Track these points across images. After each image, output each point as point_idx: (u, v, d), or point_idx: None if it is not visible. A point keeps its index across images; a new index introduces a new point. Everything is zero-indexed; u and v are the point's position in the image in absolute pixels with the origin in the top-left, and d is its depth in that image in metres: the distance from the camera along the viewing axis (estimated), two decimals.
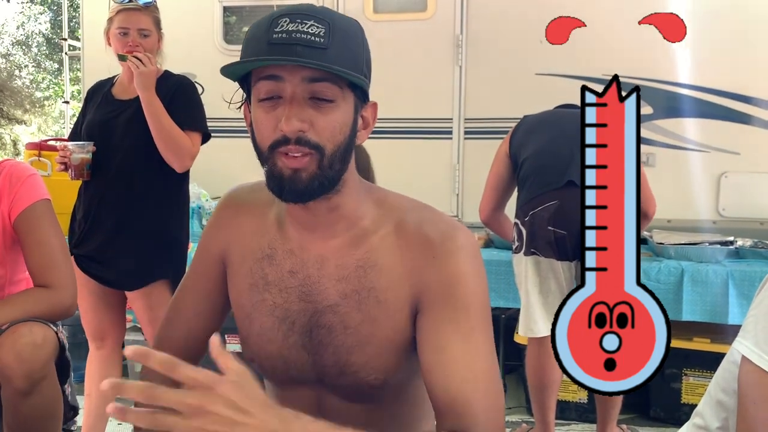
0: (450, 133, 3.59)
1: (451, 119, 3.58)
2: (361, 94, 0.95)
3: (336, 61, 0.88)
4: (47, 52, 14.72)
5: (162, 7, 3.76)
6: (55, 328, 1.56)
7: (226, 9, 3.79)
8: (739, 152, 3.31)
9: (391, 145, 3.64)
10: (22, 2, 14.47)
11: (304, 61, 0.86)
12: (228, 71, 0.92)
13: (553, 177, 2.33)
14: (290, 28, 0.88)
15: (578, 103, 2.79)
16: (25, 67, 15.12)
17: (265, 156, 0.92)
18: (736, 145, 3.31)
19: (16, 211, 1.62)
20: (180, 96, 2.31)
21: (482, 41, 3.49)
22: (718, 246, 2.89)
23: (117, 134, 2.29)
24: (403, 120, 3.62)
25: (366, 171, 2.25)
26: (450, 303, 0.94)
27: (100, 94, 2.43)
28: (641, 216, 2.44)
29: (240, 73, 0.94)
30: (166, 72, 2.42)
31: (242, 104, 1.00)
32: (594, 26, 3.36)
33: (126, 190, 2.27)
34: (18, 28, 14.72)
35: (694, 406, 1.10)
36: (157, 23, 2.40)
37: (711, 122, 3.34)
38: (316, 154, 0.90)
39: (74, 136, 2.44)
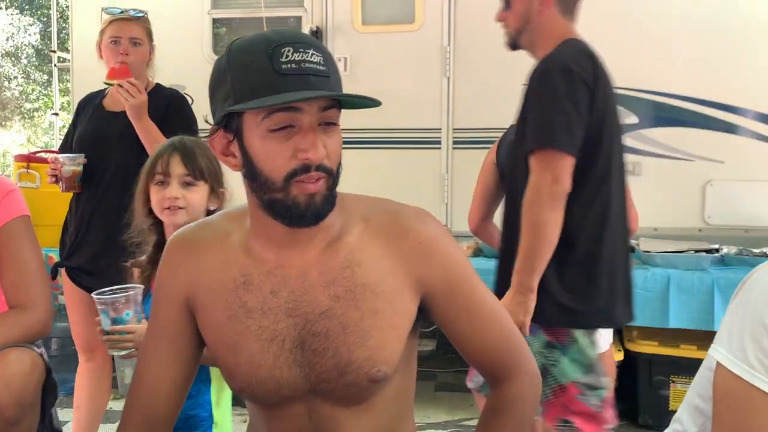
0: (439, 143, 3.62)
1: (440, 129, 3.61)
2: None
3: (337, 87, 0.94)
4: (37, 63, 14.68)
5: (152, 19, 3.79)
6: (38, 350, 1.52)
7: (215, 21, 3.81)
8: (724, 161, 3.35)
9: (381, 156, 3.67)
10: (12, 14, 14.44)
11: (339, 93, 0.92)
12: (257, 107, 0.90)
13: None
14: (296, 58, 0.90)
15: None
16: (14, 78, 15.07)
17: (278, 186, 0.93)
18: (720, 154, 3.35)
19: None
20: (173, 112, 2.32)
21: (470, 52, 3.53)
22: (704, 254, 2.92)
23: (108, 146, 2.30)
24: (392, 130, 3.65)
25: None
26: (456, 283, 1.04)
27: (91, 106, 2.44)
28: None
29: (264, 106, 0.91)
30: (158, 85, 2.43)
31: (212, 135, 0.99)
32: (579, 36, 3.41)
33: (118, 201, 2.27)
34: (7, 39, 14.68)
35: None
36: (149, 34, 2.41)
37: (696, 131, 3.38)
38: (329, 177, 0.94)
39: (65, 148, 2.44)
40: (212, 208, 1.63)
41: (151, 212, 1.63)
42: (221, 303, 1.03)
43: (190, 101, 2.43)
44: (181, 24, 3.75)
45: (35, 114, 15.15)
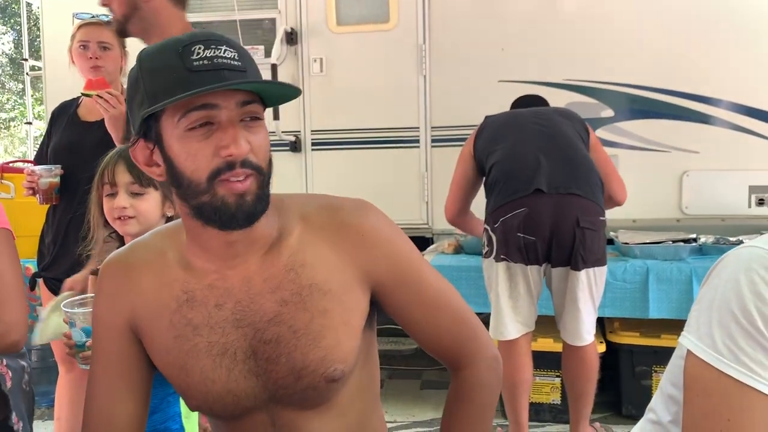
0: (417, 141, 3.62)
1: (418, 128, 3.61)
2: None
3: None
4: (11, 72, 14.48)
5: None
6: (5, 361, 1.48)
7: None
8: (699, 151, 3.39)
9: (360, 156, 3.67)
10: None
11: (252, 81, 0.89)
12: (161, 108, 0.88)
13: (520, 184, 2.36)
14: (208, 54, 0.88)
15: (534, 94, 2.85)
16: None
17: (203, 188, 0.90)
18: (696, 144, 3.39)
19: None
20: None
21: (445, 51, 3.53)
22: (682, 243, 2.95)
23: (84, 157, 2.26)
24: (370, 130, 3.64)
25: None
26: (403, 271, 1.03)
27: (65, 116, 2.41)
28: (612, 203, 2.50)
29: (159, 106, 0.88)
30: None
31: (132, 147, 0.96)
32: (553, 32, 3.44)
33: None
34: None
35: None
36: (120, 39, 2.38)
37: (671, 122, 3.41)
38: (258, 175, 0.92)
39: (40, 158, 2.41)
40: (170, 214, 1.59)
41: (108, 222, 1.60)
42: (165, 324, 1.00)
43: None
44: None
45: (11, 124, 14.94)
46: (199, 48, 0.88)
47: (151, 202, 1.56)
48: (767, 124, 3.33)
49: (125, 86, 2.45)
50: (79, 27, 2.33)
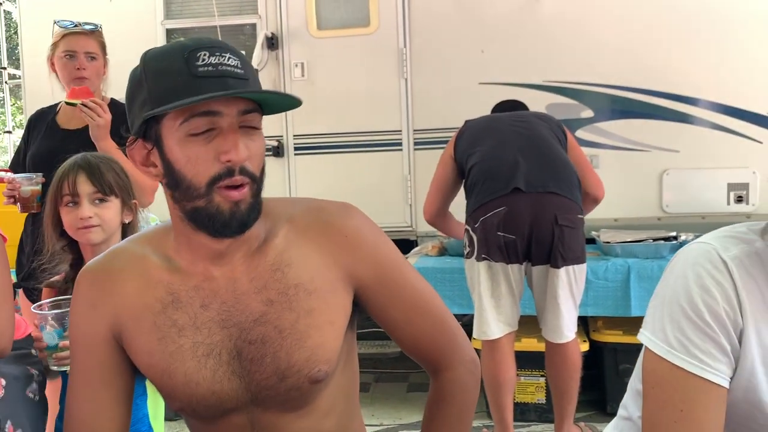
0: (400, 144, 3.63)
1: (401, 131, 3.63)
2: None
3: (256, 89, 0.94)
4: None
5: (105, 30, 3.73)
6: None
7: (169, 31, 3.78)
8: (679, 150, 3.43)
9: (343, 159, 3.67)
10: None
11: (258, 91, 0.91)
12: (173, 108, 0.88)
13: (499, 184, 2.38)
14: (213, 61, 0.89)
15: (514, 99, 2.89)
16: None
17: (201, 192, 0.91)
18: (675, 143, 3.43)
19: None
20: (126, 130, 2.28)
21: (425, 53, 3.55)
22: (662, 242, 2.98)
23: None
24: (353, 134, 3.65)
25: None
26: (385, 272, 1.05)
27: (43, 123, 2.38)
28: (590, 201, 2.54)
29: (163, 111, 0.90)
30: (112, 101, 2.39)
31: (130, 146, 0.97)
32: (532, 34, 3.47)
33: None
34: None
35: None
36: (103, 48, 2.38)
37: (650, 122, 3.45)
38: (253, 183, 0.93)
39: (16, 166, 2.39)
40: (127, 221, 1.60)
41: (63, 234, 1.59)
42: (148, 326, 1.00)
43: None
44: (135, 35, 3.70)
45: None
46: (205, 54, 0.89)
47: (113, 209, 1.58)
48: (745, 122, 3.38)
49: (105, 94, 2.44)
50: (63, 36, 2.31)
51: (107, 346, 1.02)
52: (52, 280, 1.59)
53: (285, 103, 0.98)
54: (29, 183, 2.20)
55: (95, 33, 2.36)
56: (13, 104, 4.88)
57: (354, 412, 1.15)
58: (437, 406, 1.12)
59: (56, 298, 1.46)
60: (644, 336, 0.94)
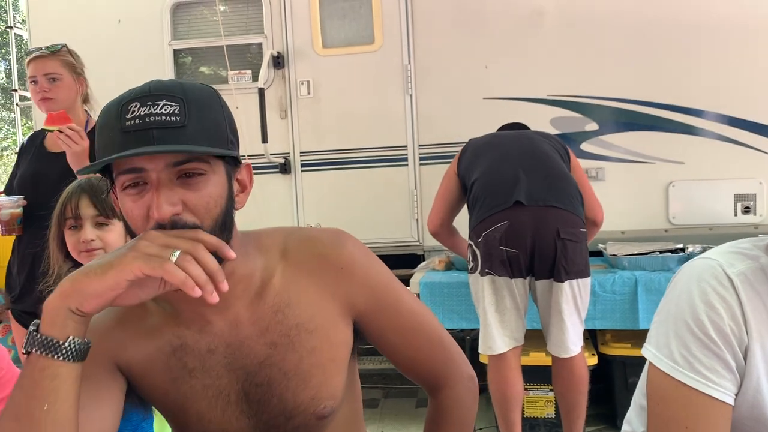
0: (406, 160, 3.65)
1: (406, 146, 3.64)
2: (231, 160, 0.93)
3: (196, 137, 0.85)
4: (3, 101, 14.55)
5: (114, 51, 3.78)
6: None
7: (177, 51, 3.83)
8: (684, 161, 3.42)
9: (349, 175, 3.69)
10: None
11: (159, 150, 0.83)
12: (85, 173, 0.88)
13: (501, 198, 2.39)
14: (142, 113, 0.84)
15: (520, 121, 2.91)
16: None
17: None
18: (681, 155, 3.43)
19: None
20: None
21: (429, 70, 3.58)
22: (669, 254, 2.97)
23: (48, 188, 2.24)
24: (359, 150, 3.68)
25: None
26: (381, 297, 1.04)
27: (32, 147, 2.39)
28: (590, 224, 2.54)
29: (99, 168, 0.88)
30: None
31: (109, 192, 0.94)
32: (536, 48, 3.49)
33: None
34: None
35: None
36: (69, 66, 2.33)
37: (656, 134, 3.45)
38: None
39: (9, 189, 2.41)
40: None
41: (68, 256, 1.59)
42: (161, 367, 0.99)
43: None
44: (143, 56, 3.76)
45: (4, 153, 14.98)
46: (135, 105, 0.84)
47: (116, 232, 1.57)
48: (751, 133, 3.38)
49: (91, 116, 2.42)
50: (28, 63, 2.32)
51: (106, 367, 0.97)
52: None
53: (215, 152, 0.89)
54: (11, 206, 2.20)
55: (57, 53, 2.32)
56: (24, 124, 4.94)
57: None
58: (436, 424, 1.13)
59: None
60: (649, 351, 0.94)
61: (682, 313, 0.90)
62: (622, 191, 3.43)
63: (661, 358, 0.90)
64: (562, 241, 2.30)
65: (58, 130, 2.12)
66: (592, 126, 3.48)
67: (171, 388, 0.99)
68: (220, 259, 0.86)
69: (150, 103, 0.84)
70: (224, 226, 0.90)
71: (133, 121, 0.84)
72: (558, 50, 3.49)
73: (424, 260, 3.54)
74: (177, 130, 0.84)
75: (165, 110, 0.84)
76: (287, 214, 3.67)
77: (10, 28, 4.26)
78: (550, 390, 2.91)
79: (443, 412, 1.12)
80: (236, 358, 0.98)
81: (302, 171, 3.73)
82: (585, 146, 3.45)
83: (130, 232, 0.90)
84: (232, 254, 0.86)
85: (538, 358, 2.88)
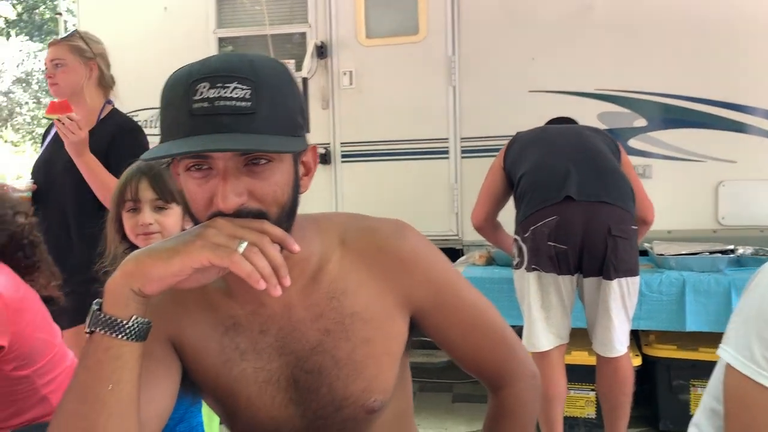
0: (447, 153, 3.61)
1: (448, 139, 3.61)
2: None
3: (266, 125, 0.81)
4: (46, 88, 14.86)
5: (159, 39, 3.82)
6: None
7: (221, 40, 3.84)
8: (736, 160, 3.32)
9: (389, 167, 3.67)
10: (22, 40, 14.66)
11: (232, 148, 0.80)
12: (152, 159, 0.84)
13: (551, 192, 2.34)
14: (211, 95, 0.79)
15: (568, 116, 2.85)
16: (25, 104, 15.27)
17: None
18: (732, 154, 3.33)
19: None
20: (116, 145, 2.24)
21: (474, 61, 3.53)
22: (719, 255, 2.89)
23: (55, 174, 2.27)
24: (399, 142, 3.65)
25: None
26: (443, 293, 1.01)
27: (50, 134, 2.43)
28: (640, 223, 2.48)
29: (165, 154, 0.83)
30: (113, 111, 2.37)
31: (170, 163, 0.92)
32: (584, 41, 3.42)
33: (62, 229, 2.23)
34: (18, 65, 14.90)
35: None
36: (77, 51, 2.33)
37: (706, 132, 3.35)
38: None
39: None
40: (188, 227, 1.59)
41: (125, 237, 1.60)
42: (215, 347, 0.97)
43: None
44: (188, 44, 3.79)
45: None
46: (204, 86, 0.80)
47: (174, 216, 1.57)
48: None
49: (110, 104, 2.41)
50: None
51: (163, 345, 0.95)
52: None
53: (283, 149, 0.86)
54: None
55: (65, 38, 2.34)
56: None
57: (409, 430, 1.13)
58: (497, 422, 1.10)
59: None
60: (727, 353, 0.90)
61: (764, 314, 0.86)
62: (670, 190, 3.34)
63: (741, 361, 0.87)
64: (613, 238, 2.25)
65: (58, 119, 2.13)
66: (641, 122, 3.40)
67: (222, 371, 0.97)
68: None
69: (220, 85, 0.80)
70: (290, 214, 0.88)
71: (201, 104, 0.80)
72: (607, 43, 3.42)
73: (463, 255, 3.50)
74: (247, 117, 0.80)
75: (235, 94, 0.80)
76: (326, 204, 3.67)
77: (59, 14, 4.33)
78: (591, 390, 2.86)
79: (505, 410, 1.09)
80: (288, 342, 0.96)
81: (342, 162, 3.73)
82: (632, 143, 3.37)
83: (189, 212, 0.89)
84: (296, 248, 0.83)
85: (579, 357, 2.83)
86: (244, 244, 0.79)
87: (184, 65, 0.85)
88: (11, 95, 14.97)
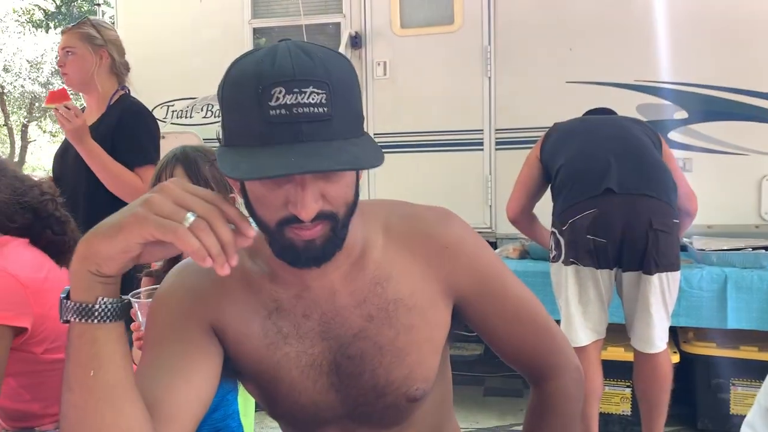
0: (481, 144, 3.57)
1: (482, 131, 3.56)
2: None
3: (342, 131, 0.80)
4: None
5: (196, 29, 3.84)
6: None
7: (256, 31, 3.85)
8: None
9: (423, 158, 3.65)
10: (60, 32, 14.92)
11: (323, 169, 0.78)
12: (238, 178, 0.81)
13: (590, 185, 2.30)
14: (288, 102, 0.76)
15: (607, 106, 2.78)
16: None
17: (271, 231, 0.85)
18: None
19: None
20: (121, 128, 2.24)
21: (510, 52, 3.48)
22: (763, 251, 2.81)
23: (70, 162, 2.30)
24: (433, 133, 3.62)
25: None
26: (487, 282, 1.00)
27: None
28: (684, 215, 2.42)
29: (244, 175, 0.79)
30: (123, 96, 2.37)
31: (213, 161, 0.92)
32: (623, 30, 3.34)
33: (73, 215, 2.27)
34: (57, 57, 15.17)
35: (743, 416, 1.07)
36: (87, 38, 2.33)
37: (749, 124, 3.26)
38: (330, 221, 0.84)
39: None
40: None
41: None
42: (258, 331, 0.95)
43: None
44: (223, 34, 3.80)
45: None
46: (279, 91, 0.77)
47: None
48: None
49: (124, 89, 2.42)
50: None
51: (205, 333, 0.93)
52: (151, 269, 1.61)
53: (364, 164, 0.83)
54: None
55: (76, 26, 2.35)
56: None
57: (449, 419, 1.13)
58: (542, 416, 1.07)
59: (153, 286, 1.49)
60: None
61: None
62: (711, 184, 3.24)
63: None
64: (654, 232, 2.20)
65: (55, 108, 2.14)
66: (681, 114, 3.31)
67: (265, 354, 0.96)
68: (340, 248, 0.84)
69: (296, 90, 0.77)
70: (354, 210, 0.88)
71: (278, 111, 0.77)
72: (647, 33, 3.33)
73: (496, 248, 3.46)
74: (324, 123, 0.78)
75: (312, 100, 0.77)
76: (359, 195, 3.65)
77: (98, 5, 4.38)
78: (627, 386, 2.81)
79: (548, 403, 1.07)
80: (331, 327, 0.95)
81: None
82: (673, 135, 3.29)
83: (253, 215, 0.87)
84: (251, 233, 0.78)
85: (615, 353, 2.78)
86: (192, 218, 0.75)
87: (243, 61, 0.82)
88: (50, 86, 15.25)
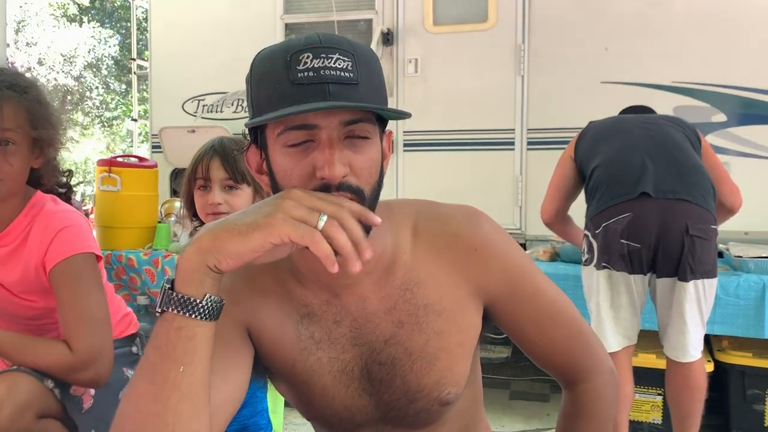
0: (512, 144, 3.53)
1: (514, 130, 3.52)
2: (381, 125, 0.88)
3: (368, 96, 0.82)
4: (116, 73, 15.34)
5: (229, 24, 3.85)
6: (48, 384, 1.44)
7: (288, 26, 3.85)
8: None
9: (453, 157, 3.62)
10: (93, 27, 15.15)
11: (351, 106, 0.79)
12: (257, 123, 0.82)
13: (625, 188, 2.24)
14: (316, 65, 0.79)
15: (643, 104, 2.71)
16: (95, 88, 15.79)
17: None
18: None
19: (50, 265, 1.46)
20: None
21: (544, 50, 3.43)
22: None
23: None
24: (464, 132, 3.59)
25: None
26: (518, 283, 0.97)
27: None
28: (725, 212, 2.35)
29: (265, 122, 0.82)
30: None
31: (246, 150, 0.91)
32: (660, 30, 3.27)
33: None
34: (89, 51, 15.40)
35: None
36: None
37: None
38: (356, 198, 0.83)
39: None
40: None
41: (196, 215, 1.59)
42: (292, 336, 0.95)
43: None
44: (255, 29, 3.81)
45: (114, 122, 15.82)
46: (307, 56, 0.80)
47: (244, 197, 1.55)
48: None
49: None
50: None
51: (238, 331, 0.93)
52: None
53: (392, 112, 0.86)
54: None
55: None
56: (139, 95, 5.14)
57: (480, 420, 1.11)
58: (573, 421, 1.04)
59: None
60: None
61: None
62: (749, 189, 3.11)
63: None
64: (690, 238, 2.14)
65: None
66: (719, 117, 3.24)
67: (299, 359, 0.95)
68: (367, 233, 0.80)
69: (324, 55, 0.79)
70: (377, 196, 0.87)
71: (306, 73, 0.79)
72: (684, 33, 3.26)
73: (526, 249, 3.42)
74: (351, 87, 0.80)
75: (339, 65, 0.80)
76: (386, 194, 3.62)
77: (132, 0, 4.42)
78: (659, 394, 2.75)
79: (581, 407, 1.03)
80: (362, 333, 0.94)
81: (404, 150, 3.68)
82: (710, 138, 3.21)
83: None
84: (377, 220, 0.80)
85: (647, 360, 2.72)
86: (324, 218, 0.76)
87: (273, 46, 0.84)
88: (82, 80, 15.49)
